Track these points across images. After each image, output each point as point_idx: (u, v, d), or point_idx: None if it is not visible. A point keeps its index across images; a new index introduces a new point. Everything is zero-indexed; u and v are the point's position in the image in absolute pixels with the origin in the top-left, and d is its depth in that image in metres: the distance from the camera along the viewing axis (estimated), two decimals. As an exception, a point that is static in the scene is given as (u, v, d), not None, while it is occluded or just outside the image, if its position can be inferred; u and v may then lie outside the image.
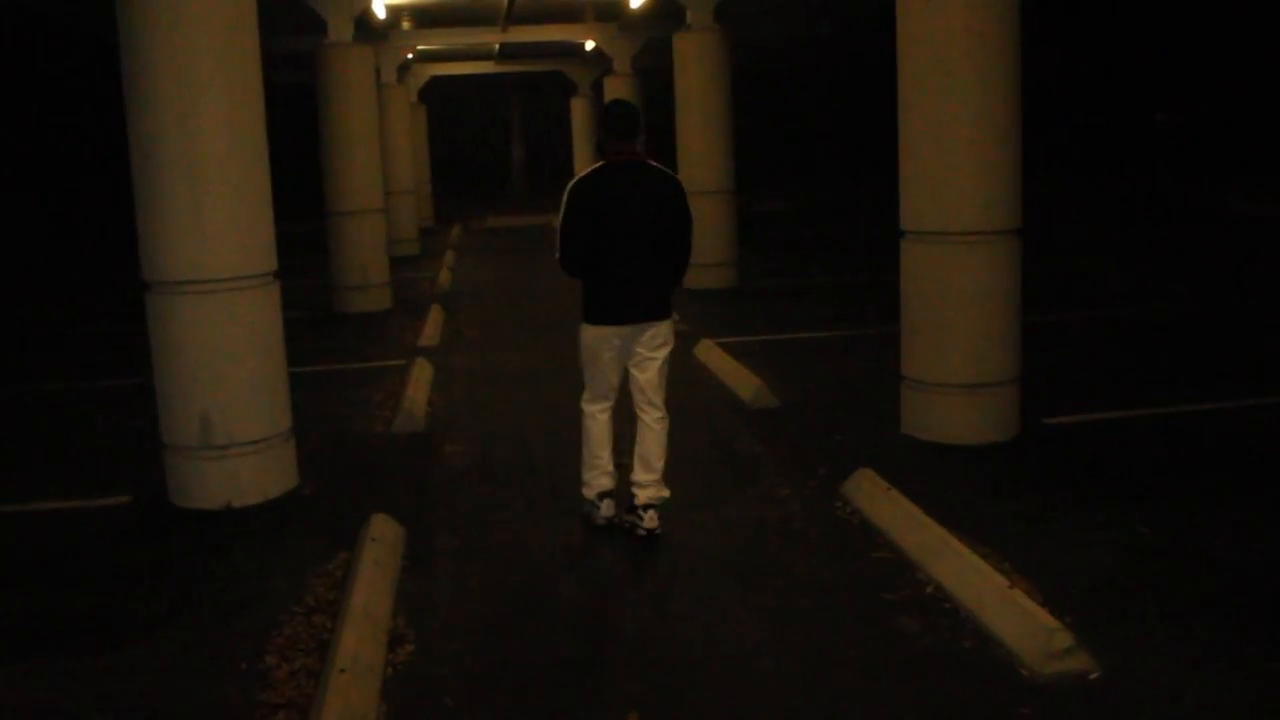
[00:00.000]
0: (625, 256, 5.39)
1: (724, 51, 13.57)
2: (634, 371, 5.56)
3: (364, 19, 15.85)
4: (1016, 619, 4.20)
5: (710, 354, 9.51)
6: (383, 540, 5.36)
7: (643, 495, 5.54)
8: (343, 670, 3.98)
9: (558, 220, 5.43)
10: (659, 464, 5.57)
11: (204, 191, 6.01)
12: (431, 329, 11.51)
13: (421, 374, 9.12)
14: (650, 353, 5.51)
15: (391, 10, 16.55)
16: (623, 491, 5.73)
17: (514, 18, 17.86)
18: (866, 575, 5.00)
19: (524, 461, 7.05)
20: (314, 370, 9.94)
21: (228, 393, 6.23)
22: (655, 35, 18.09)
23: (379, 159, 13.32)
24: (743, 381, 8.36)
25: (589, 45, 21.24)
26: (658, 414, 5.58)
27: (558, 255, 5.43)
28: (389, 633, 4.57)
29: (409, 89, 23.91)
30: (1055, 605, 4.41)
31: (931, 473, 6.28)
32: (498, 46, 22.36)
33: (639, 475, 5.57)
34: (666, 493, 5.59)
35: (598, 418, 5.69)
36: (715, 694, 4.04)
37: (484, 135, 36.10)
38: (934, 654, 4.22)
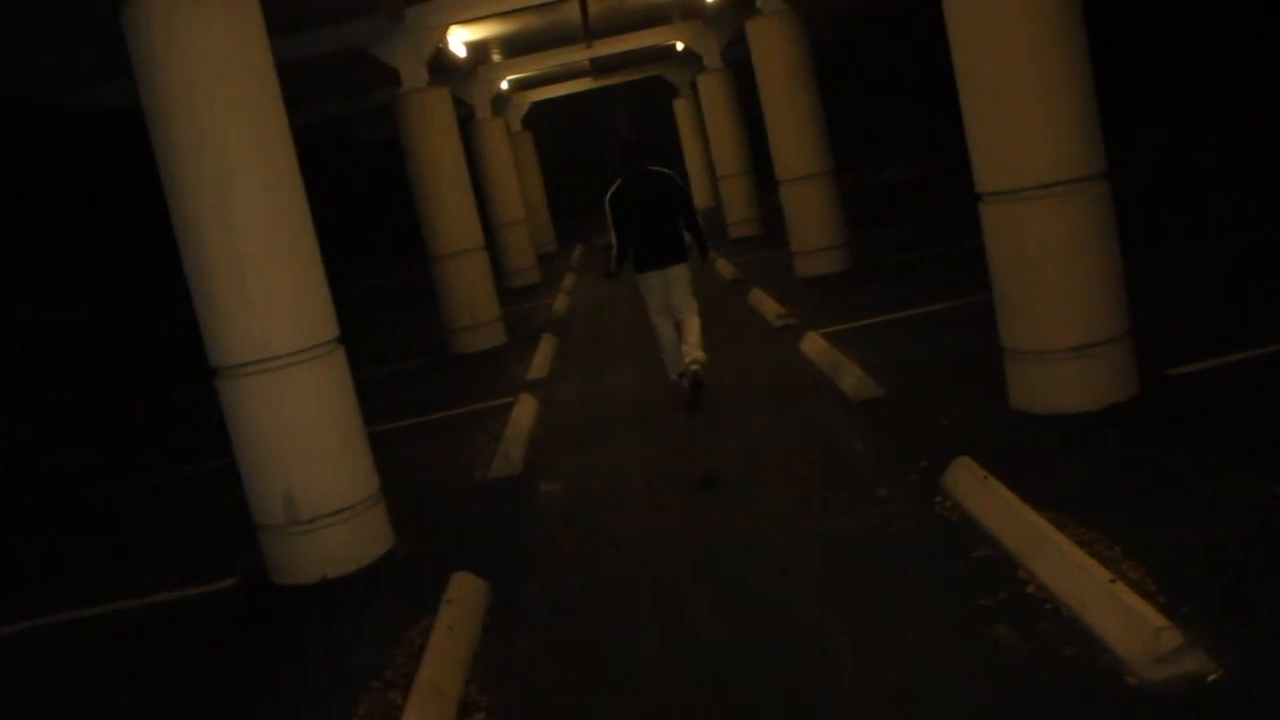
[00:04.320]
0: (646, 230, 8.42)
1: (799, 30, 13.10)
2: (670, 298, 8.55)
3: (446, 63, 16.00)
4: (1120, 618, 3.75)
5: (815, 347, 9.12)
6: (460, 601, 5.20)
7: (689, 358, 8.50)
8: (400, 755, 3.82)
9: (608, 219, 8.48)
10: (695, 339, 8.52)
11: (248, 273, 5.99)
12: (541, 360, 11.41)
13: (524, 411, 9.00)
14: (675, 285, 8.53)
15: (472, 47, 16.63)
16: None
17: (594, 32, 17.74)
18: (965, 578, 4.59)
19: (614, 499, 6.80)
20: (424, 420, 9.97)
21: (306, 466, 6.19)
22: (740, 25, 17.67)
23: (471, 198, 13.29)
24: (845, 373, 7.96)
25: (679, 46, 20.97)
26: (691, 318, 8.56)
27: (611, 239, 8.48)
28: (459, 702, 4.41)
29: (509, 119, 24.05)
30: (1171, 595, 3.94)
31: (1041, 450, 5.80)
32: (589, 62, 22.29)
33: (686, 349, 8.54)
34: (704, 355, 8.51)
35: (663, 326, 8.74)
36: (793, 736, 3.74)
37: (595, 150, 36.15)
38: (1032, 666, 3.81)
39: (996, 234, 6.35)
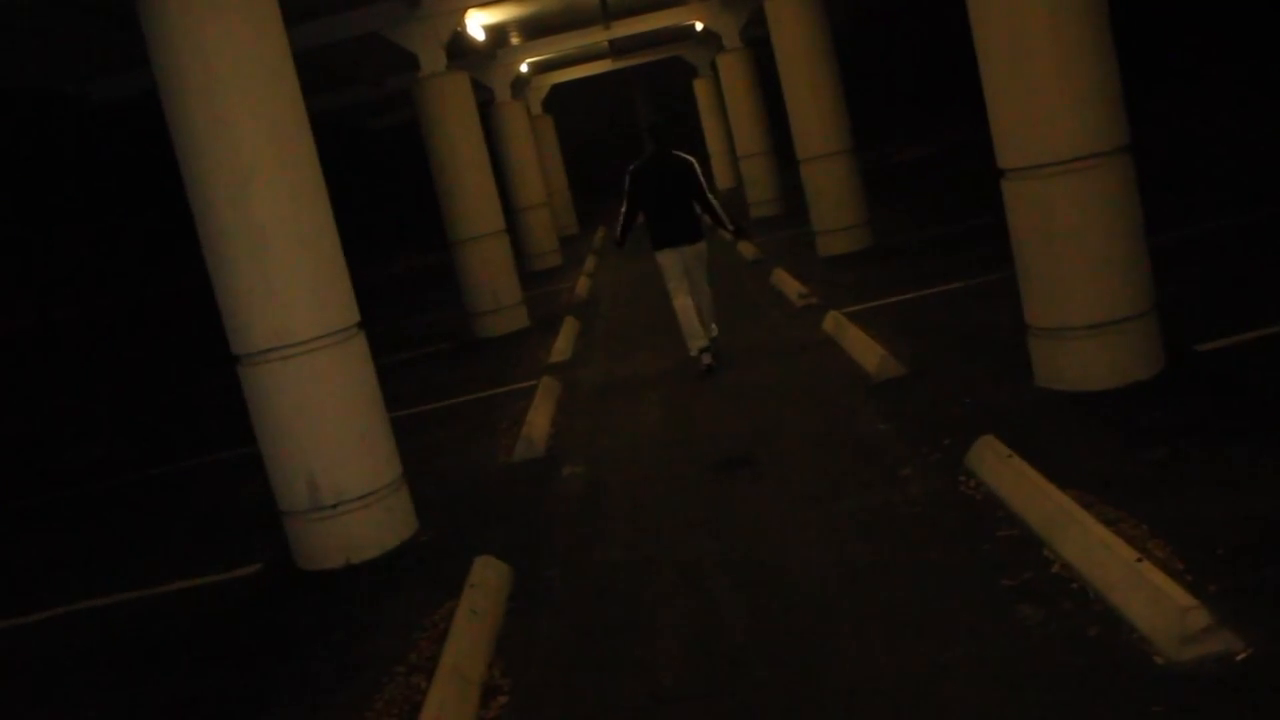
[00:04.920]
0: (663, 210, 8.93)
1: (819, 8, 12.99)
2: (689, 276, 9.02)
3: (465, 46, 15.96)
4: (1146, 598, 3.71)
5: (837, 326, 9.07)
6: (483, 586, 5.21)
7: (707, 338, 9.04)
8: (423, 739, 3.83)
9: (625, 190, 9.02)
10: (709, 315, 9.25)
11: (268, 259, 6.00)
12: (563, 343, 11.41)
13: (546, 395, 9.00)
14: (692, 261, 9.05)
15: (490, 30, 16.59)
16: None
17: (611, 14, 17.66)
18: (989, 559, 4.56)
19: (637, 481, 6.78)
20: (447, 404, 9.99)
21: (328, 452, 6.21)
22: (759, 3, 17.57)
23: (492, 182, 13.28)
24: (868, 352, 7.92)
25: (698, 26, 20.86)
26: (706, 296, 9.23)
27: (622, 210, 9.05)
28: (482, 685, 4.42)
29: (529, 102, 24.01)
30: (1198, 573, 3.89)
31: (1066, 428, 5.74)
32: (608, 44, 22.20)
33: (704, 328, 9.05)
34: (716, 330, 9.41)
35: (683, 302, 9.00)
36: (827, 713, 3.72)
37: (615, 133, 36.04)
38: (1057, 646, 3.78)
39: (1019, 211, 6.28)
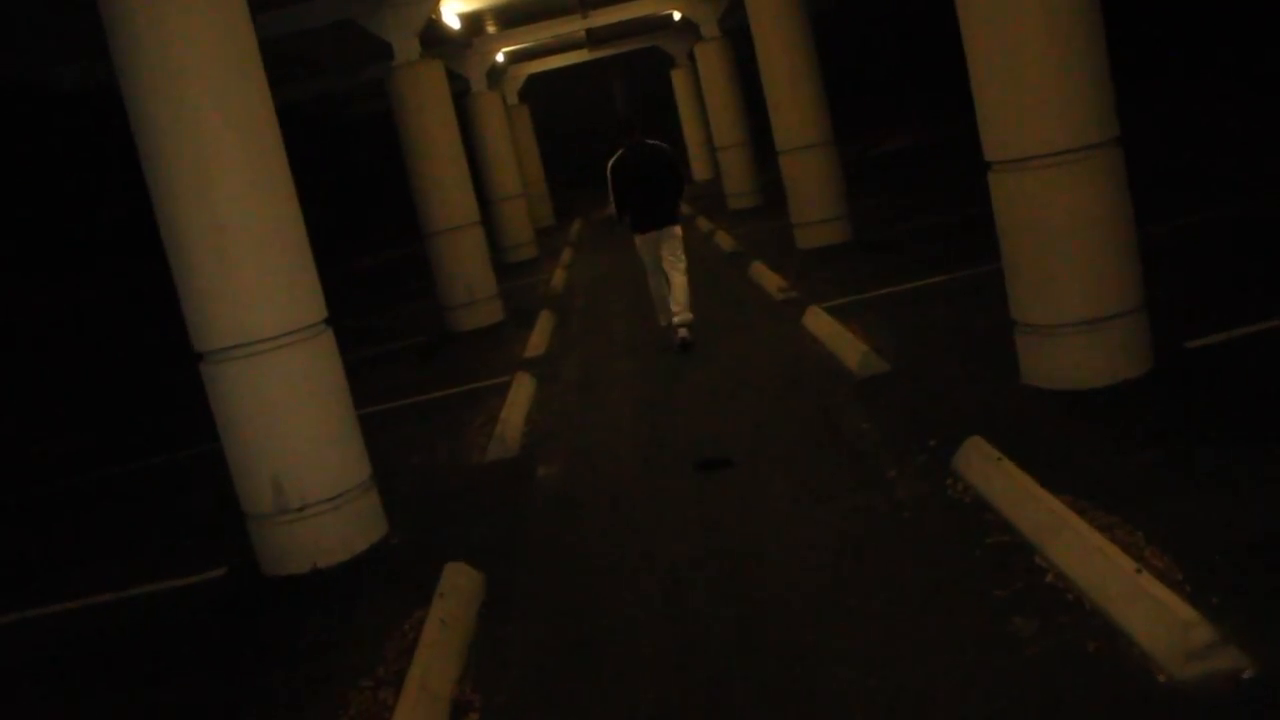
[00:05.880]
0: (643, 196, 9.36)
1: (798, -3, 12.80)
2: (663, 253, 9.46)
3: (440, 35, 15.70)
4: (1147, 611, 3.55)
5: (818, 321, 8.90)
6: (454, 593, 5.01)
7: (678, 319, 9.43)
8: (387, 762, 3.63)
9: (609, 184, 9.38)
10: (684, 298, 9.41)
11: (231, 252, 5.77)
12: (539, 338, 11.19)
13: (520, 392, 8.79)
14: (668, 240, 9.46)
15: (466, 18, 16.33)
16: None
17: (589, 2, 17.44)
18: (979, 567, 4.40)
19: (614, 482, 6.58)
20: (420, 400, 9.78)
21: (294, 453, 5.99)
22: (737, -8, 17.39)
23: (467, 173, 13.03)
24: (850, 348, 7.75)
25: (676, 15, 20.65)
26: (680, 273, 9.43)
27: (611, 201, 9.45)
28: (452, 701, 4.23)
29: (505, 92, 23.75)
30: (1199, 584, 3.73)
31: (1055, 428, 5.59)
32: (585, 33, 21.96)
33: (675, 308, 9.46)
34: (691, 316, 9.46)
35: (655, 282, 9.67)
36: (801, 741, 3.55)
37: (592, 123, 35.81)
38: (1053, 661, 3.61)
39: (1006, 204, 6.12)
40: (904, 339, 7.87)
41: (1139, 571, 3.73)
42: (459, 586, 5.09)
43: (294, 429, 5.97)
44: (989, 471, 4.98)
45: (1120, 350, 5.97)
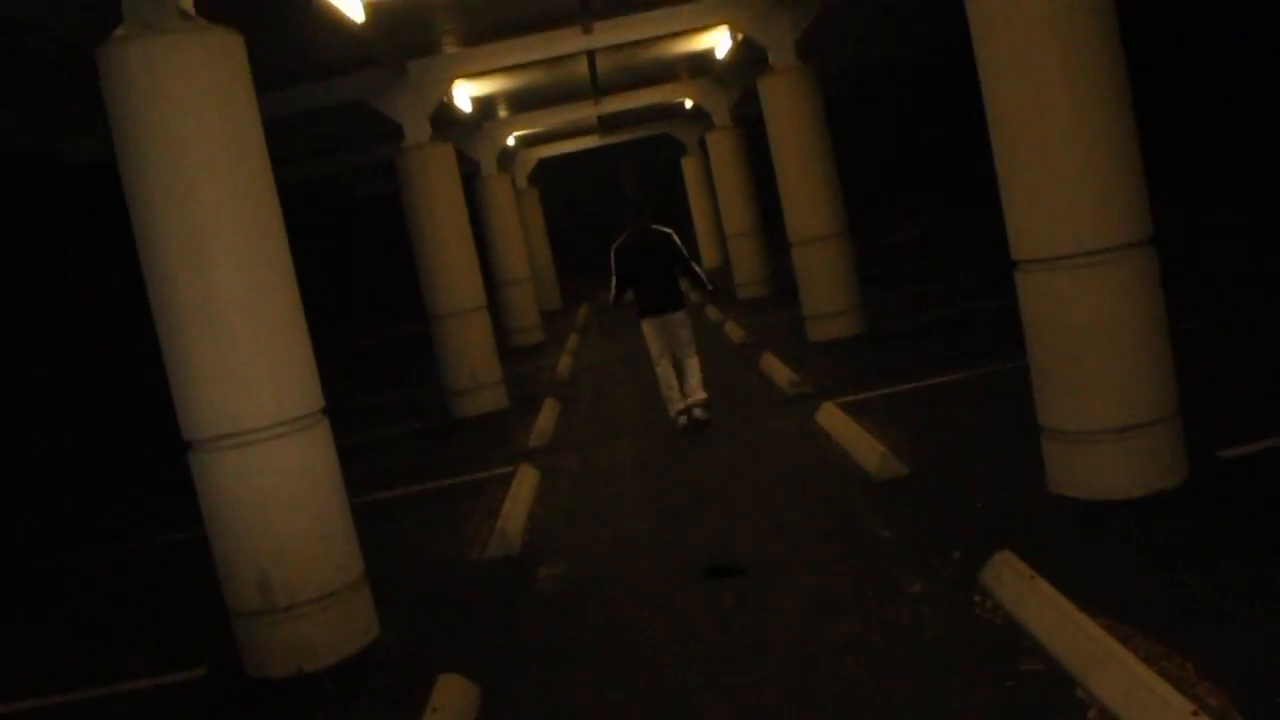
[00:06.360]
0: (647, 281, 9.49)
1: (813, 88, 12.71)
2: (672, 341, 9.57)
3: (451, 117, 15.68)
4: (1209, 761, 3.22)
5: (832, 419, 8.61)
6: (446, 710, 4.67)
7: (693, 399, 9.60)
8: None
9: (611, 266, 9.51)
10: (696, 380, 9.58)
11: (224, 338, 5.53)
12: (544, 426, 10.90)
13: (523, 484, 8.48)
14: (675, 329, 9.57)
15: (478, 101, 16.33)
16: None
17: (602, 89, 17.46)
18: (1015, 699, 4.06)
19: (619, 589, 6.25)
20: (420, 490, 9.48)
21: (283, 549, 5.69)
22: (750, 83, 17.41)
23: (474, 256, 12.85)
24: (866, 449, 7.46)
25: (689, 103, 20.71)
26: (691, 359, 9.60)
27: (611, 282, 9.55)
28: (440, 838, 3.87)
29: (516, 175, 23.76)
30: (1261, 728, 3.41)
31: (1086, 542, 5.28)
32: (597, 119, 22.04)
33: (689, 390, 9.61)
34: (705, 395, 9.61)
35: (665, 367, 9.64)
36: None
37: (602, 207, 35.91)
38: (1104, 816, 3.28)
39: (1034, 304, 5.88)
40: (922, 440, 7.58)
41: (1196, 715, 3.40)
42: (451, 702, 4.75)
43: (284, 524, 5.67)
44: (1022, 590, 4.66)
45: (1153, 459, 5.69)
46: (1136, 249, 5.58)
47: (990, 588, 4.92)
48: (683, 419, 9.54)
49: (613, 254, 9.54)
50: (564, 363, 15.91)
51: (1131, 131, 5.59)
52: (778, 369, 11.26)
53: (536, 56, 12.59)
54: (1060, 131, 5.51)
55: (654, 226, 9.61)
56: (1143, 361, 5.65)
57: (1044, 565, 4.83)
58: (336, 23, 9.09)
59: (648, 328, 9.62)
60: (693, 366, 9.62)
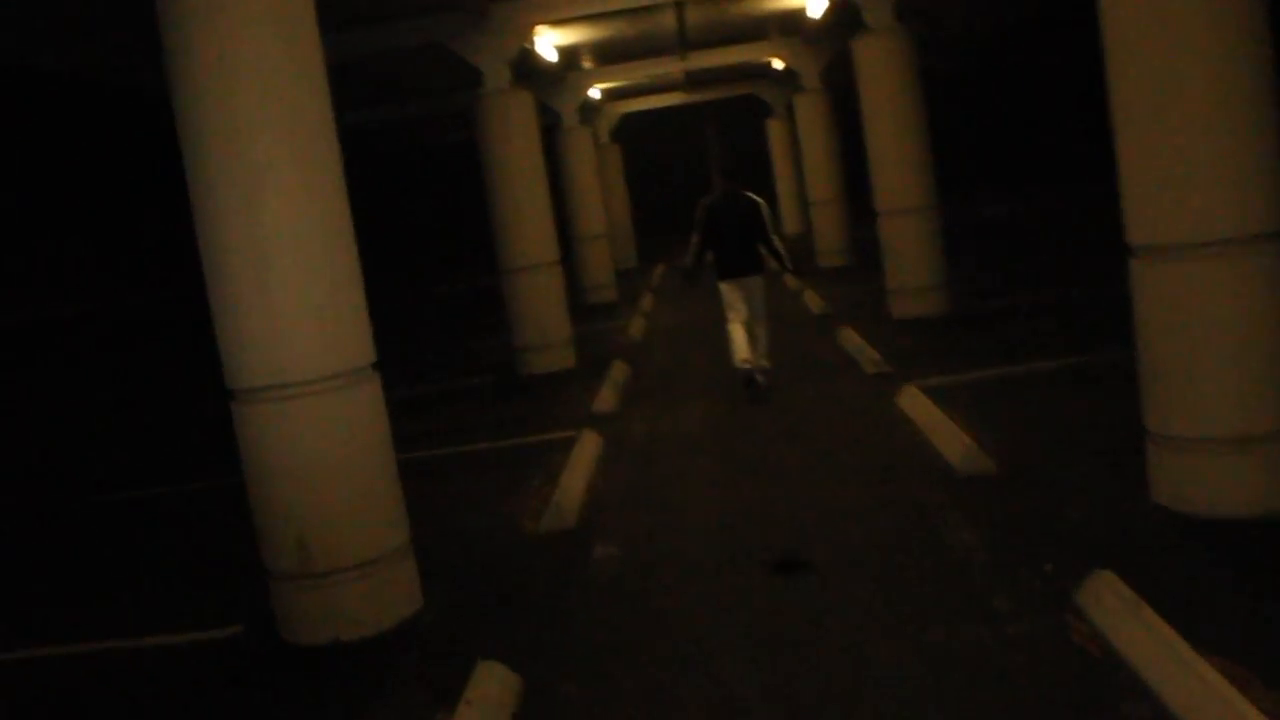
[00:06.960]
0: (730, 244, 9.51)
1: (910, 52, 12.09)
2: (748, 305, 9.55)
3: (533, 66, 15.26)
4: None
5: (915, 403, 8.12)
6: (484, 702, 4.33)
7: (756, 365, 9.59)
8: None
9: (696, 224, 9.60)
10: (763, 348, 9.71)
11: (275, 281, 5.21)
12: (609, 391, 10.52)
13: (584, 452, 8.12)
14: (752, 290, 9.59)
15: (562, 51, 15.88)
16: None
17: (690, 44, 16.92)
18: (1115, 743, 3.60)
19: (679, 575, 5.84)
20: (475, 450, 9.14)
21: (324, 511, 5.37)
22: (842, 45, 16.75)
23: (549, 209, 12.47)
24: (951, 440, 6.97)
25: (777, 64, 20.08)
26: (762, 327, 9.70)
27: (693, 241, 9.62)
28: None
29: (597, 130, 23.30)
30: None
31: (1195, 565, 4.76)
32: (683, 75, 21.50)
33: (756, 356, 9.61)
34: (769, 364, 9.77)
35: (736, 325, 9.59)
36: None
37: (684, 167, 35.32)
38: None
39: (1150, 295, 5.33)
40: (1011, 433, 7.05)
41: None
42: (490, 693, 4.41)
43: (325, 485, 5.34)
44: (1124, 618, 4.18)
45: (1275, 476, 5.14)
46: (1273, 240, 5.01)
47: (1088, 611, 4.43)
48: (747, 368, 9.52)
49: (700, 209, 9.59)
50: (636, 324, 15.53)
51: (1275, 112, 5.00)
52: (858, 344, 10.76)
53: (624, 5, 12.11)
54: (1196, 107, 4.94)
55: (745, 192, 9.58)
56: (1270, 366, 5.09)
57: (1146, 589, 4.35)
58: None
59: (726, 288, 9.63)
60: (761, 335, 9.71)
